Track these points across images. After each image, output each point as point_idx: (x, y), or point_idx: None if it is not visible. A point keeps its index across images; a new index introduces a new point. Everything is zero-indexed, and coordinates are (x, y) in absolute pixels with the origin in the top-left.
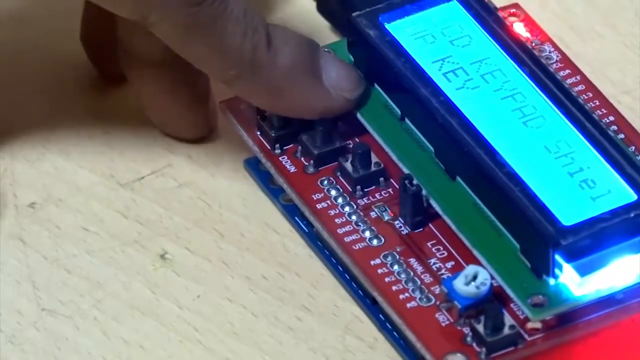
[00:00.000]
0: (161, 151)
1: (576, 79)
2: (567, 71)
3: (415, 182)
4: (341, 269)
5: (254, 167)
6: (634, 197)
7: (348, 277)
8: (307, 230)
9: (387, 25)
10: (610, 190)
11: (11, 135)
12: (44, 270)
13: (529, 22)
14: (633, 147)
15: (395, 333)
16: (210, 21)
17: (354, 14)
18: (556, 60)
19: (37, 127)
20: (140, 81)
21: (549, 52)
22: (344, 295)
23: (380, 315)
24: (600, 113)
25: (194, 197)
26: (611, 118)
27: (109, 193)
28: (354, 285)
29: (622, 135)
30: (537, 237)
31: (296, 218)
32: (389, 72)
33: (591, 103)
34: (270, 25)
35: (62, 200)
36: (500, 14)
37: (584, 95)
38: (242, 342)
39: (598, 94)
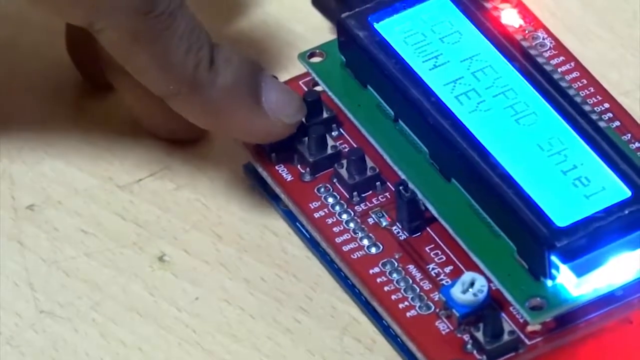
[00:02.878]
0: (159, 154)
1: (570, 65)
2: (561, 58)
3: (410, 187)
4: (343, 274)
5: (252, 172)
6: (628, 193)
7: (350, 283)
8: (308, 236)
9: (376, 25)
10: (604, 188)
11: (10, 137)
12: (43, 273)
13: (522, 9)
14: (629, 135)
15: (398, 339)
16: (156, 33)
17: (343, 15)
18: (550, 47)
19: (35, 130)
20: (125, 88)
21: (543, 38)
22: (342, 297)
23: (384, 321)
24: (595, 100)
25: (192, 199)
26: (606, 105)
27: (107, 195)
28: (356, 290)
29: (617, 123)
30: (532, 240)
31: (297, 223)
32: (380, 73)
33: (586, 90)
34: (215, 45)
35: (60, 202)
36: (493, 1)
37: (578, 83)
38: (240, 344)
39: (593, 80)
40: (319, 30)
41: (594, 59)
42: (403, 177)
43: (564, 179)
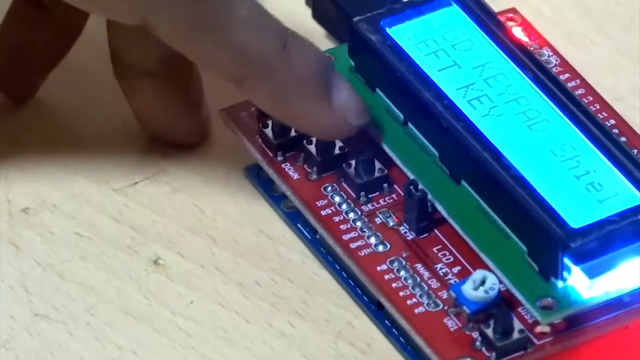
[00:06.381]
0: (154, 157)
1: (575, 82)
2: (567, 75)
3: (420, 187)
4: (345, 275)
5: (254, 174)
6: None
7: (352, 284)
8: (309, 237)
9: (388, 30)
10: (617, 193)
11: (5, 140)
12: (37, 276)
13: (527, 27)
14: (635, 150)
15: (402, 338)
16: (214, 21)
17: (355, 19)
18: (555, 64)
19: (30, 133)
20: (133, 91)
21: (548, 56)
22: (337, 302)
23: (386, 321)
24: (601, 117)
25: (187, 203)
26: (612, 122)
27: (102, 198)
28: (358, 291)
29: (623, 139)
30: (546, 240)
31: (298, 225)
32: (391, 76)
33: (591, 107)
34: (290, 32)
35: (55, 205)
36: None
37: (584, 99)
38: (234, 348)
39: (598, 97)
40: (319, 39)
41: (589, 65)
42: (413, 178)
43: (577, 183)
